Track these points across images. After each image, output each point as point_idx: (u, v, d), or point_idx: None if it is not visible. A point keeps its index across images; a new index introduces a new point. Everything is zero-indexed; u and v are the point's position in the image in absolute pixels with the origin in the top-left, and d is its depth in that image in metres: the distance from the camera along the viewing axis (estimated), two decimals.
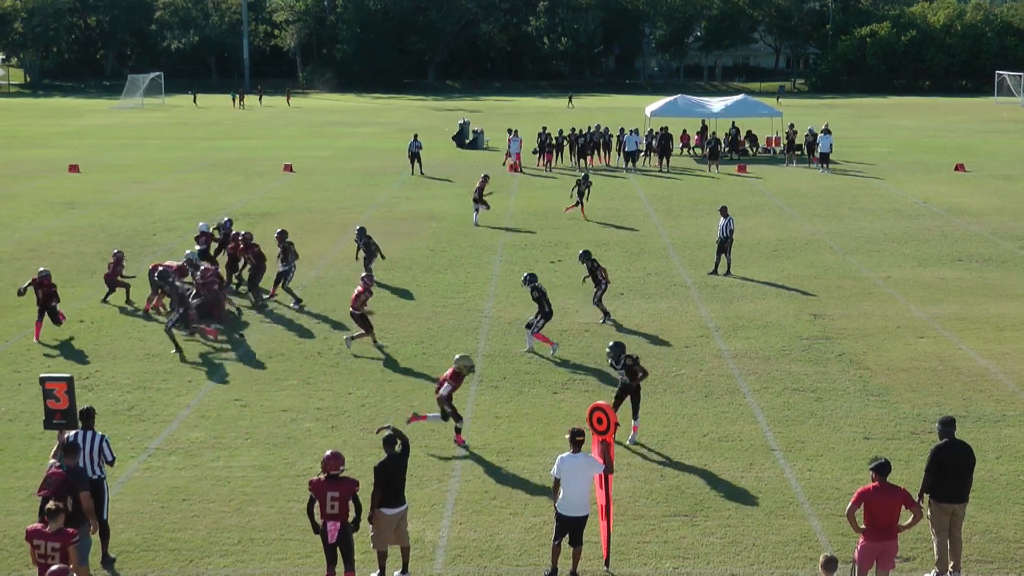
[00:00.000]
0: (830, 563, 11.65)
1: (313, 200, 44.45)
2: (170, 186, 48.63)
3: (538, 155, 55.70)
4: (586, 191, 40.50)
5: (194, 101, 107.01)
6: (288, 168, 54.20)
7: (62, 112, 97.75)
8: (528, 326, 23.76)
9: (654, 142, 56.56)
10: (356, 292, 23.78)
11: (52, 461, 13.74)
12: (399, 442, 13.89)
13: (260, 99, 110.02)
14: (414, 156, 52.74)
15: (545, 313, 23.46)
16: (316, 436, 18.78)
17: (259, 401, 20.58)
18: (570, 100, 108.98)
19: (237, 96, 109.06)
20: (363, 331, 23.80)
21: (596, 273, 25.88)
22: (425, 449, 18.03)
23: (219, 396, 20.89)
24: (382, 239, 35.62)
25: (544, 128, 56.91)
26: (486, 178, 39.61)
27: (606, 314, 26.09)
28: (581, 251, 26.82)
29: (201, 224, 30.30)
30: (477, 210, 38.91)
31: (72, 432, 14.22)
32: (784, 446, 18.24)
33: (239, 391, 21.17)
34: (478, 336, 24.83)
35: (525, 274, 23.68)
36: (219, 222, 30.73)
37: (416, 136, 54.39)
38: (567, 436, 14.08)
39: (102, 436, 14.24)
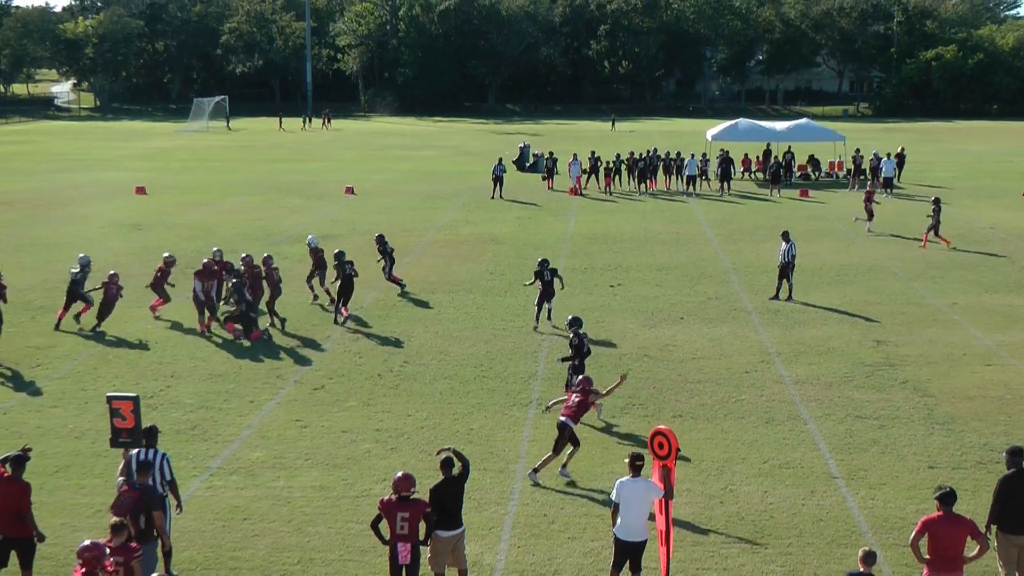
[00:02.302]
0: (869, 557, 11.69)
1: (374, 223, 44.67)
2: (234, 208, 49.19)
3: (587, 177, 56.01)
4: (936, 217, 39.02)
5: (280, 125, 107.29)
6: (350, 191, 54.61)
7: (130, 135, 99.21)
8: (568, 385, 21.41)
9: (708, 166, 56.40)
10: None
11: (120, 479, 13.88)
12: (458, 464, 13.88)
13: (324, 122, 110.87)
14: (497, 179, 52.94)
15: (576, 367, 21.49)
16: (376, 457, 18.84)
17: (319, 421, 20.70)
18: (613, 123, 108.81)
19: (307, 119, 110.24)
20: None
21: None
22: (485, 471, 18.03)
23: (280, 416, 21.04)
24: (443, 261, 35.80)
25: (593, 152, 57.00)
26: None
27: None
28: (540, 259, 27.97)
29: (310, 238, 31.16)
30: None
31: (135, 450, 14.37)
32: (846, 474, 18.02)
33: (299, 412, 21.30)
34: (537, 359, 24.80)
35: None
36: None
37: (500, 160, 54.59)
38: (626, 460, 13.98)
39: (163, 454, 14.38)
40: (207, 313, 27.32)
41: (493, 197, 52.37)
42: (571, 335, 21.84)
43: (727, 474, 18.10)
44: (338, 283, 28.74)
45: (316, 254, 30.38)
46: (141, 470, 13.56)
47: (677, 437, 14.25)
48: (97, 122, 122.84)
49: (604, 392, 18.63)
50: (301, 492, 17.32)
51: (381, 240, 31.81)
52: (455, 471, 13.81)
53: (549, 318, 28.10)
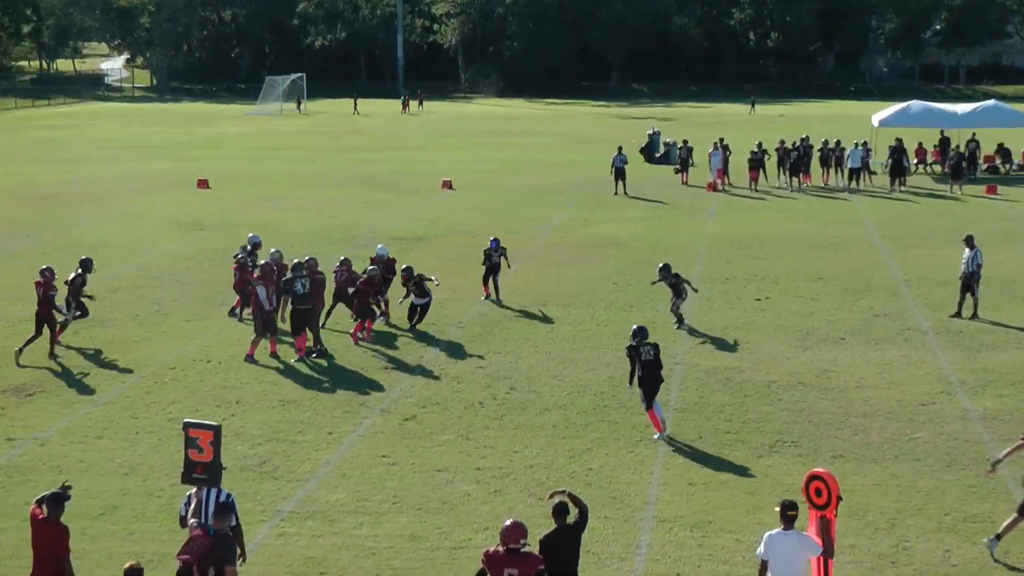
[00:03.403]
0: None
1: (475, 222, 44.85)
2: (309, 204, 49.79)
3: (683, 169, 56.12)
4: None
5: (355, 110, 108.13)
6: (447, 184, 54.98)
7: (191, 119, 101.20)
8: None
9: (873, 157, 55.54)
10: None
11: (193, 521, 13.93)
12: (577, 510, 13.74)
13: (420, 103, 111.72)
14: (619, 172, 52.86)
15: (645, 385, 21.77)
16: (476, 501, 18.80)
17: (409, 459, 20.72)
18: (752, 106, 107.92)
19: (405, 100, 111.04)
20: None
21: (679, 285, 29.51)
22: (606, 519, 17.88)
23: (363, 451, 21.10)
24: (555, 269, 35.79)
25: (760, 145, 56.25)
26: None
27: (680, 320, 29.48)
28: (662, 264, 30.49)
29: (380, 248, 31.31)
30: None
31: (211, 489, 14.39)
32: None
33: (387, 446, 21.36)
34: (669, 386, 24.57)
35: (634, 327, 22.43)
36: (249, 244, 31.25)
37: (621, 149, 54.49)
38: (777, 509, 13.85)
39: (228, 494, 14.43)
40: (273, 328, 27.34)
41: (616, 193, 52.26)
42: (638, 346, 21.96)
43: (899, 528, 17.78)
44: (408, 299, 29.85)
45: (387, 264, 30.39)
46: (220, 514, 13.61)
47: (838, 482, 14.06)
48: (153, 104, 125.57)
49: None
50: (388, 542, 17.34)
51: (410, 272, 30.09)
52: (570, 519, 13.71)
53: (681, 324, 29.42)
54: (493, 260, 32.39)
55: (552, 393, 24.41)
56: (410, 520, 18.12)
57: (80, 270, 28.32)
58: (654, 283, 30.92)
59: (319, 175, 59.83)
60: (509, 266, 33.67)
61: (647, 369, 21.67)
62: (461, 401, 23.94)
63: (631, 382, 22.11)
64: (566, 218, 46.43)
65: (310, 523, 18.05)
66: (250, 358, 26.62)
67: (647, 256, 38.23)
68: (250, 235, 32.17)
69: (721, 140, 56.73)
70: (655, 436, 21.58)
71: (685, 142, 58.39)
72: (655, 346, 21.99)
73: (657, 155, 65.70)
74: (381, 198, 51.67)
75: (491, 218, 45.99)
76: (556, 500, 13.89)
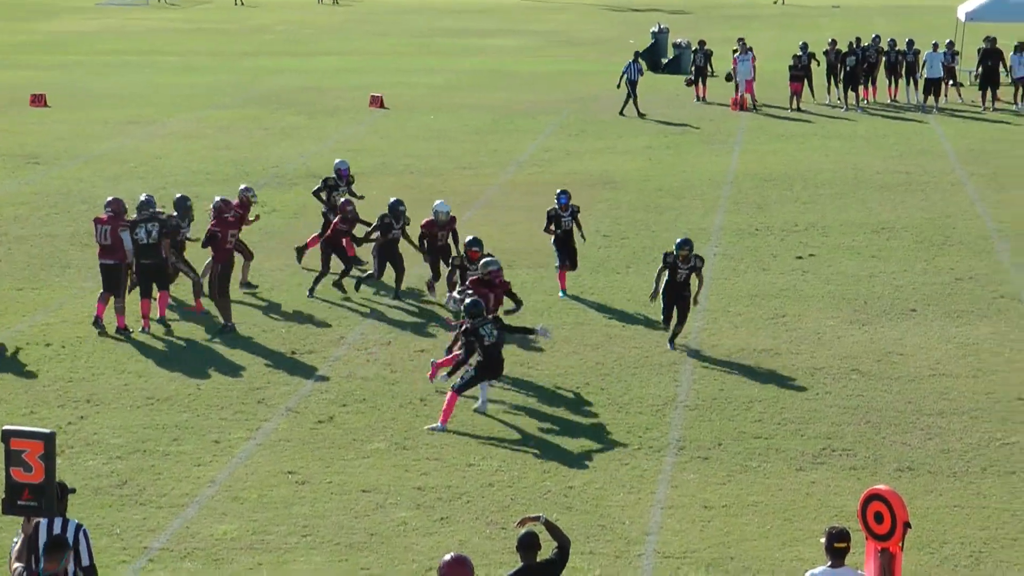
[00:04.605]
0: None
1: (416, 155, 44.88)
2: (191, 130, 49.78)
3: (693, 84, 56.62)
4: None
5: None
6: (378, 102, 54.94)
7: (20, 10, 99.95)
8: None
9: (959, 63, 55.69)
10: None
11: (17, 567, 13.98)
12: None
13: None
14: (633, 86, 53.04)
15: None
16: (416, 532, 18.88)
17: (325, 476, 20.79)
18: None
19: None
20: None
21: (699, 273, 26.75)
22: (592, 555, 18.04)
23: (262, 466, 21.16)
24: (525, 218, 35.74)
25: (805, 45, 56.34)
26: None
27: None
28: (680, 240, 26.92)
29: (339, 161, 32.49)
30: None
31: (42, 519, 14.43)
32: None
33: (294, 459, 21.42)
34: (677, 375, 24.77)
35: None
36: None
37: (637, 55, 54.62)
38: (823, 540, 13.96)
39: (78, 526, 14.47)
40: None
41: (622, 113, 52.44)
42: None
43: (987, 565, 17.92)
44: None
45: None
46: (52, 551, 13.60)
47: (905, 504, 14.13)
48: None
49: None
50: None
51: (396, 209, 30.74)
52: (545, 556, 13.82)
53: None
54: (564, 225, 30.36)
55: (519, 386, 24.47)
56: (326, 559, 18.17)
57: None
58: (658, 285, 27.05)
59: (203, 90, 59.65)
60: (584, 238, 31.14)
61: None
62: (396, 397, 23.99)
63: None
64: (540, 148, 46.49)
65: (189, 564, 18.02)
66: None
67: (649, 200, 38.37)
68: (337, 161, 33.10)
69: (742, 41, 56.32)
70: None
71: (702, 44, 58.39)
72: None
73: (664, 61, 65.75)
74: (289, 122, 51.62)
75: (438, 148, 46.04)
76: (526, 529, 13.99)
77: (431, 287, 29.39)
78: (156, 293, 27.61)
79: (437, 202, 30.80)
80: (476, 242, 26.87)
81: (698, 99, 56.35)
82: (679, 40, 67.22)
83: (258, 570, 17.91)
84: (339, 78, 63.33)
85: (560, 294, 29.87)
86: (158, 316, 27.61)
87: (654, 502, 19.75)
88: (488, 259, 25.33)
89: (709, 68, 58.03)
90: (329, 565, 18.05)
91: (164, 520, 19.35)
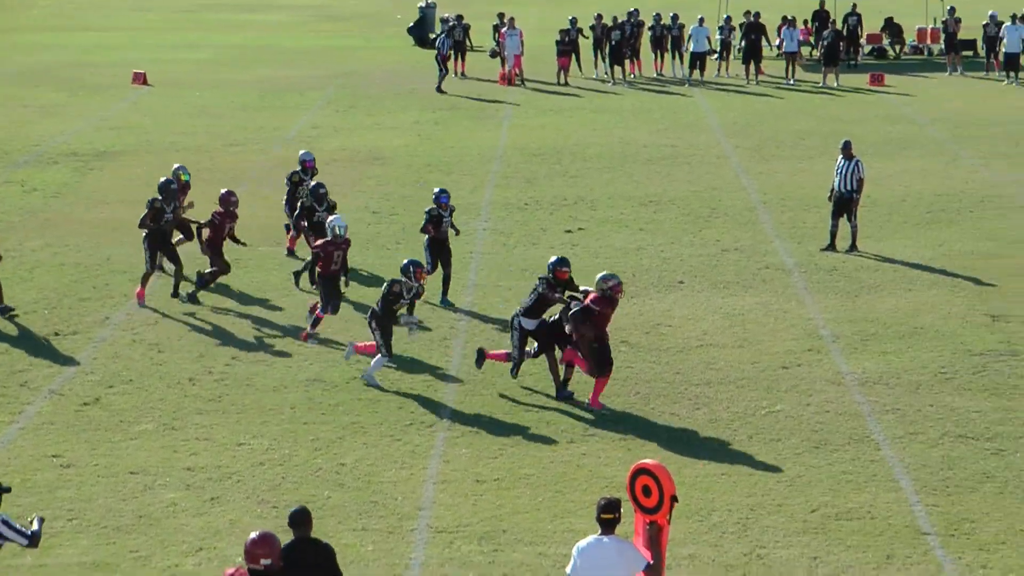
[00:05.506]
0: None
1: (182, 132, 44.48)
2: None
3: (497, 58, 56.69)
4: None
5: None
6: (141, 79, 54.34)
7: None
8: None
9: (727, 36, 56.56)
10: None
11: None
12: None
13: None
14: (443, 61, 53.38)
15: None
16: (186, 513, 18.74)
17: (91, 458, 20.55)
18: None
19: None
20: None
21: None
22: (365, 531, 18.04)
23: (25, 450, 20.85)
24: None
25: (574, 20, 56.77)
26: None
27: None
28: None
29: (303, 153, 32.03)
30: None
31: None
32: (944, 528, 18.19)
33: (58, 442, 21.13)
34: (449, 349, 24.83)
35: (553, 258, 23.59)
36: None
37: (451, 23, 55.65)
38: (596, 512, 13.91)
39: None
40: None
41: (440, 88, 52.61)
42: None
43: (753, 531, 18.17)
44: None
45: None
46: None
47: (672, 477, 14.26)
48: None
49: None
50: (63, 574, 17.22)
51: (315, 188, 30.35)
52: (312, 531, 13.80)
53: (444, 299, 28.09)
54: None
55: (289, 364, 24.42)
56: (92, 542, 17.96)
57: None
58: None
59: None
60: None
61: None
62: (163, 377, 23.80)
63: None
64: (308, 125, 46.39)
65: None
66: None
67: (419, 175, 38.45)
68: (301, 152, 32.49)
69: (507, 17, 56.49)
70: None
71: (459, 18, 58.41)
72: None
73: (433, 36, 65.73)
74: (49, 99, 50.88)
75: (204, 125, 45.73)
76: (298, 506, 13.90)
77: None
78: None
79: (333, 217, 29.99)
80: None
81: (459, 74, 56.43)
82: (446, 15, 67.26)
83: (21, 556, 17.62)
84: (101, 54, 62.54)
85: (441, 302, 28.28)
86: None
87: (426, 477, 19.81)
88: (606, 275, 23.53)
89: (468, 42, 58.26)
90: (96, 548, 17.84)
91: None
